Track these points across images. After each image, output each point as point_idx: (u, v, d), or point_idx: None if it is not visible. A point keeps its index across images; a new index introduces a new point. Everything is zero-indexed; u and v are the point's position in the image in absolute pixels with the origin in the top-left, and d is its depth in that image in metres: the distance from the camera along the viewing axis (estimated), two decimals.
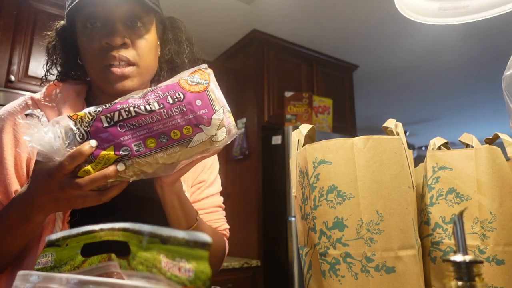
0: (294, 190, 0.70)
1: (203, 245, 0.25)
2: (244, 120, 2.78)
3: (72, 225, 0.63)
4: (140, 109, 0.50)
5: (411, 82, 3.81)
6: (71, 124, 0.49)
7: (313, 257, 0.62)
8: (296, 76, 2.95)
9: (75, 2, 0.61)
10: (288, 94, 2.78)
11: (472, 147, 0.67)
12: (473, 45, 2.99)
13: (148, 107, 0.50)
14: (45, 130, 0.48)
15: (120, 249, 0.32)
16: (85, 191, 0.50)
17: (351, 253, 0.56)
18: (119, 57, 0.63)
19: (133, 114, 0.50)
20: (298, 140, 0.71)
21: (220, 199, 0.84)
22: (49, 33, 0.73)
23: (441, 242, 0.63)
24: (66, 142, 0.49)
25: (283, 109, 2.78)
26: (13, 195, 0.63)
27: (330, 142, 0.61)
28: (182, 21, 0.80)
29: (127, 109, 0.50)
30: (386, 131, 0.69)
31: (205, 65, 0.56)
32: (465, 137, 0.71)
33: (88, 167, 0.49)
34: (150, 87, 0.73)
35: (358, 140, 0.59)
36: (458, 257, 0.38)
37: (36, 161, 0.58)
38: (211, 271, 0.24)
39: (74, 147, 0.48)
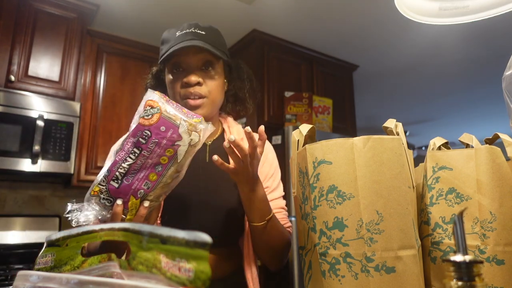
0: (294, 190, 0.70)
1: (203, 245, 0.25)
2: (244, 120, 2.78)
3: (164, 225, 0.78)
4: (128, 160, 0.62)
5: (411, 82, 3.81)
6: (96, 199, 0.63)
7: (313, 257, 0.62)
8: (296, 76, 2.95)
9: (166, 54, 0.83)
10: (288, 94, 2.78)
11: (472, 147, 0.67)
12: (473, 45, 2.99)
13: (132, 156, 0.62)
14: (86, 213, 0.62)
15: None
16: None
17: (351, 253, 0.56)
18: (194, 91, 0.83)
19: (127, 167, 0.62)
20: (298, 140, 0.71)
21: (282, 202, 0.95)
22: (146, 76, 1.00)
23: (441, 242, 0.63)
24: (102, 212, 0.64)
25: (283, 109, 2.78)
26: None
27: (330, 142, 0.61)
28: (244, 63, 1.01)
29: (120, 166, 0.62)
30: (386, 131, 0.69)
31: (152, 94, 0.66)
32: (465, 137, 0.71)
33: (128, 217, 0.64)
34: (217, 115, 0.97)
35: (358, 140, 0.59)
36: (458, 257, 0.38)
37: None
38: (210, 271, 0.24)
39: (111, 211, 0.64)
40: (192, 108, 0.83)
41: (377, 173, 0.58)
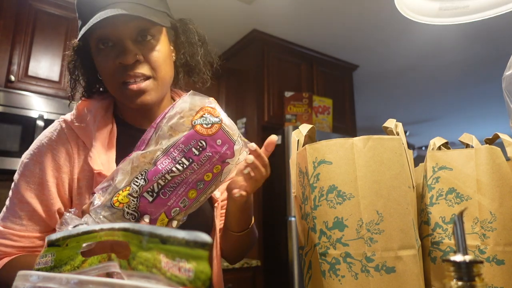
0: (294, 190, 0.70)
1: (202, 245, 0.25)
2: (244, 120, 2.78)
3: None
4: (173, 171, 0.52)
5: (411, 82, 3.81)
6: (118, 213, 0.52)
7: (313, 257, 0.62)
8: (296, 76, 2.95)
9: (85, 27, 0.62)
10: (288, 94, 2.78)
11: (472, 147, 0.67)
12: (473, 45, 2.99)
13: (179, 167, 0.52)
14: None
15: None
16: None
17: (351, 253, 0.56)
18: (134, 74, 0.65)
19: (169, 178, 0.52)
20: (298, 140, 0.71)
21: None
22: (67, 53, 0.75)
23: (441, 242, 0.63)
24: None
25: (283, 109, 2.78)
26: (56, 214, 0.67)
27: (330, 142, 0.61)
28: (193, 21, 0.80)
29: (162, 177, 0.52)
30: (386, 131, 0.69)
31: (209, 100, 0.57)
32: (465, 137, 0.71)
33: None
34: (169, 92, 0.79)
35: (358, 140, 0.59)
36: (458, 257, 0.38)
37: None
38: (211, 271, 0.24)
39: None
40: (137, 94, 0.66)
41: (377, 173, 0.58)
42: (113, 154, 0.68)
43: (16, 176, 0.71)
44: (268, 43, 2.82)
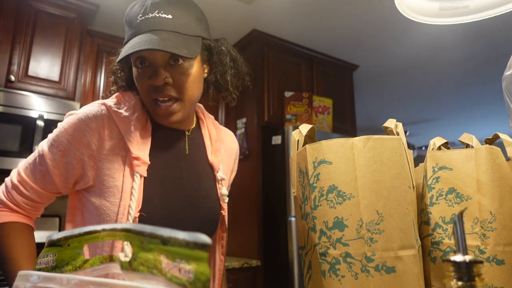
0: (295, 190, 0.70)
1: (202, 246, 0.25)
2: (244, 120, 2.78)
3: (140, 221, 0.72)
4: None
5: (411, 82, 3.81)
6: None
7: (313, 257, 0.62)
8: (296, 76, 2.95)
9: (126, 51, 0.68)
10: (288, 94, 2.78)
11: (472, 147, 0.67)
12: (473, 45, 2.99)
13: None
14: None
15: None
16: None
17: (351, 253, 0.56)
18: (163, 95, 0.72)
19: None
20: (298, 140, 0.71)
21: None
22: (113, 58, 0.85)
23: (441, 242, 0.63)
24: None
25: (283, 109, 2.78)
26: (68, 183, 0.75)
27: (330, 142, 0.61)
28: (227, 42, 0.87)
29: None
30: (386, 131, 0.69)
31: None
32: (465, 137, 0.71)
33: None
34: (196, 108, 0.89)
35: (358, 140, 0.59)
36: (458, 257, 0.38)
37: None
38: (210, 272, 0.24)
39: None
40: (165, 115, 0.73)
41: (377, 173, 0.58)
42: (148, 145, 0.75)
43: (49, 135, 0.76)
44: (268, 43, 2.82)
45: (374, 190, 0.57)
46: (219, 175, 0.85)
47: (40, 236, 2.20)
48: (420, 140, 6.07)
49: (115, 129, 0.74)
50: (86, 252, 0.72)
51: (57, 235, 0.35)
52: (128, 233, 0.29)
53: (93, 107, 0.76)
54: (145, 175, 0.72)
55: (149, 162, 0.73)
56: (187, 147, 0.83)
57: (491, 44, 2.96)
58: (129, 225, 0.29)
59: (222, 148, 0.91)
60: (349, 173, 0.58)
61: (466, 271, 0.38)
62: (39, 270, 0.35)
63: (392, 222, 0.56)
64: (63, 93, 2.15)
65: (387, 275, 0.55)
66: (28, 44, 2.09)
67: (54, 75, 2.14)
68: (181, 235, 0.25)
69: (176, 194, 0.78)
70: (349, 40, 2.93)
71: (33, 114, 1.97)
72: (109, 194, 0.72)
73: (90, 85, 2.30)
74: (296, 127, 2.56)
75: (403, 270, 0.55)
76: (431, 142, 0.72)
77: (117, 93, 0.81)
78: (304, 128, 0.73)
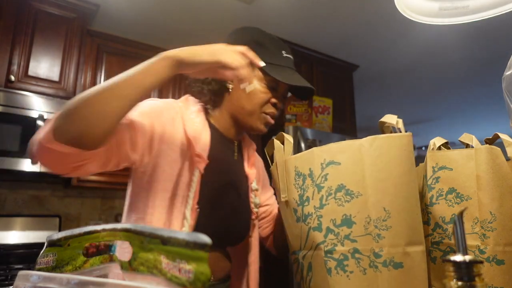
0: (285, 194, 0.70)
1: (202, 246, 0.25)
2: None
3: (201, 211, 0.77)
4: None
5: (411, 82, 3.81)
6: None
7: (314, 258, 0.62)
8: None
9: (283, 79, 0.83)
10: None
11: (472, 147, 0.67)
12: (473, 45, 2.99)
13: None
14: None
15: None
16: None
17: (359, 248, 0.57)
18: (274, 113, 0.89)
19: None
20: (284, 148, 0.73)
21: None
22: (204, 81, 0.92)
23: (441, 242, 0.63)
24: None
25: (283, 109, 2.78)
26: (122, 152, 0.73)
27: (339, 144, 0.62)
28: None
29: None
30: (383, 127, 0.69)
31: None
32: (465, 137, 0.71)
33: None
34: None
35: (365, 141, 0.60)
36: (458, 257, 0.38)
37: None
38: (210, 272, 0.24)
39: None
40: (267, 125, 0.90)
41: (384, 171, 0.58)
42: (207, 146, 0.82)
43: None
44: None
45: (381, 188, 0.58)
46: (253, 185, 0.94)
47: (40, 236, 2.20)
48: (420, 140, 6.06)
49: (181, 126, 0.81)
50: None
51: (57, 235, 0.35)
52: (128, 233, 0.29)
53: (170, 101, 0.86)
54: (203, 172, 0.79)
55: (208, 161, 0.80)
56: (235, 154, 0.93)
57: (491, 44, 2.96)
58: (129, 225, 0.29)
59: (256, 171, 1.01)
60: (357, 172, 0.59)
61: (466, 271, 0.38)
62: (39, 270, 0.35)
63: (399, 219, 0.57)
64: (63, 93, 2.15)
65: (395, 270, 0.55)
66: (28, 44, 2.09)
67: (54, 75, 2.14)
68: (181, 235, 0.25)
69: (225, 193, 0.86)
70: (349, 40, 2.93)
71: (33, 114, 1.97)
72: (165, 180, 0.76)
73: (90, 85, 2.30)
74: (296, 127, 2.56)
75: (410, 266, 0.56)
76: (431, 142, 0.72)
77: (185, 97, 0.91)
78: (289, 136, 0.76)
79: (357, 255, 0.57)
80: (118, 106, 0.62)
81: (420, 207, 0.59)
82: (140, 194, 0.78)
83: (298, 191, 0.66)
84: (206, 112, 0.91)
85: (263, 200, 1.02)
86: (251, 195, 0.94)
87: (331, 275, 0.58)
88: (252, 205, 0.93)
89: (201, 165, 0.79)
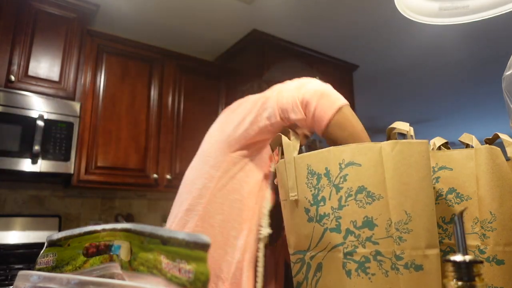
0: (295, 193, 0.69)
1: (202, 246, 0.25)
2: None
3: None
4: None
5: (411, 82, 3.81)
6: None
7: (327, 259, 0.62)
8: (296, 76, 2.95)
9: None
10: None
11: (472, 147, 0.67)
12: (473, 45, 2.99)
13: None
14: None
15: None
16: None
17: (381, 251, 0.57)
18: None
19: None
20: (292, 144, 0.71)
21: None
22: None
23: (441, 242, 0.63)
24: None
25: None
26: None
27: (359, 145, 0.62)
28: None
29: None
30: (391, 133, 0.69)
31: None
32: (465, 137, 0.71)
33: None
34: None
35: (386, 144, 0.61)
36: (458, 257, 0.38)
37: None
38: (210, 272, 0.24)
39: None
40: None
41: (405, 175, 0.59)
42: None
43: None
44: (268, 43, 2.82)
45: (402, 191, 0.59)
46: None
47: (40, 236, 2.20)
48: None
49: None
50: None
51: (57, 235, 0.35)
52: (128, 233, 0.29)
53: None
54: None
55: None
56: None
57: (491, 44, 2.96)
58: (129, 225, 0.29)
59: None
60: (377, 175, 0.60)
61: (466, 271, 0.38)
62: (39, 270, 0.35)
63: (420, 222, 0.58)
64: (63, 93, 2.15)
65: (416, 272, 0.56)
66: (28, 44, 2.09)
67: (54, 75, 2.14)
68: (180, 235, 0.25)
69: None
70: (349, 40, 2.93)
71: (33, 114, 1.97)
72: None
73: (90, 85, 2.30)
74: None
75: (429, 268, 0.57)
76: (431, 142, 0.72)
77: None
78: (289, 132, 0.75)
79: (379, 258, 0.58)
80: None
81: (435, 212, 0.60)
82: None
83: (311, 191, 0.65)
84: None
85: None
86: None
87: (351, 277, 0.58)
88: None
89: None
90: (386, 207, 0.58)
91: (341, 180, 0.61)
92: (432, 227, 0.58)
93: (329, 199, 0.62)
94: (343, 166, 0.62)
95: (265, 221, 0.82)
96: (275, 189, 0.86)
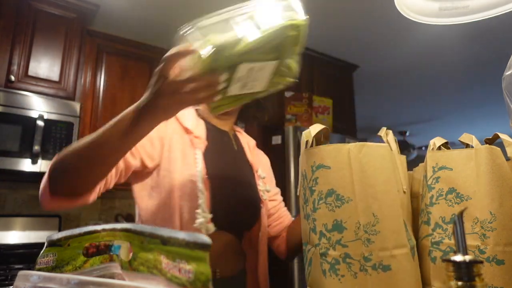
0: (299, 190, 0.71)
1: (202, 246, 0.25)
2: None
3: (216, 205, 0.82)
4: None
5: (411, 82, 3.81)
6: None
7: (313, 255, 0.63)
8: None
9: None
10: (288, 94, 2.77)
11: (472, 147, 0.67)
12: (473, 45, 2.99)
13: None
14: None
15: None
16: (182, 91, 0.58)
17: (350, 253, 0.58)
18: None
19: None
20: (307, 141, 0.71)
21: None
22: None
23: (441, 242, 0.63)
24: None
25: (283, 109, 2.78)
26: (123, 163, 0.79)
27: (327, 147, 0.63)
28: None
29: None
30: (382, 138, 0.70)
31: None
32: (465, 137, 0.71)
33: None
34: None
35: (353, 146, 0.62)
36: (458, 257, 0.38)
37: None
38: (210, 272, 0.24)
39: None
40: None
41: (372, 178, 0.61)
42: (204, 132, 0.88)
43: None
44: None
45: (370, 194, 0.60)
46: (260, 173, 0.97)
47: (40, 236, 2.20)
48: (420, 140, 6.06)
49: (177, 124, 0.87)
50: None
51: (57, 235, 0.35)
52: (128, 233, 0.29)
53: None
54: (203, 150, 0.84)
55: (207, 142, 0.86)
56: (234, 144, 0.97)
57: (491, 44, 2.96)
58: (129, 225, 0.29)
59: (260, 163, 1.04)
60: (346, 177, 0.61)
61: (466, 271, 0.38)
62: (39, 270, 0.35)
63: (386, 224, 0.59)
64: (63, 93, 2.15)
65: (384, 273, 0.57)
66: (28, 44, 2.09)
67: (54, 75, 2.14)
68: (180, 235, 0.25)
69: (230, 172, 0.89)
70: (349, 40, 2.93)
71: (33, 114, 1.97)
72: (175, 164, 0.82)
73: (90, 85, 2.30)
74: (296, 127, 2.57)
75: (397, 267, 0.58)
76: (431, 142, 0.72)
77: None
78: (315, 128, 0.73)
79: (348, 260, 0.59)
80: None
81: (402, 212, 0.61)
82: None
83: (303, 190, 0.68)
84: (196, 109, 0.96)
85: (270, 195, 1.03)
86: (259, 182, 0.96)
87: (326, 277, 0.60)
88: (261, 193, 0.95)
89: (201, 146, 0.84)
90: (355, 209, 0.59)
91: (314, 183, 0.63)
92: (398, 228, 0.60)
93: (308, 201, 0.65)
94: (314, 168, 0.63)
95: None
96: None
